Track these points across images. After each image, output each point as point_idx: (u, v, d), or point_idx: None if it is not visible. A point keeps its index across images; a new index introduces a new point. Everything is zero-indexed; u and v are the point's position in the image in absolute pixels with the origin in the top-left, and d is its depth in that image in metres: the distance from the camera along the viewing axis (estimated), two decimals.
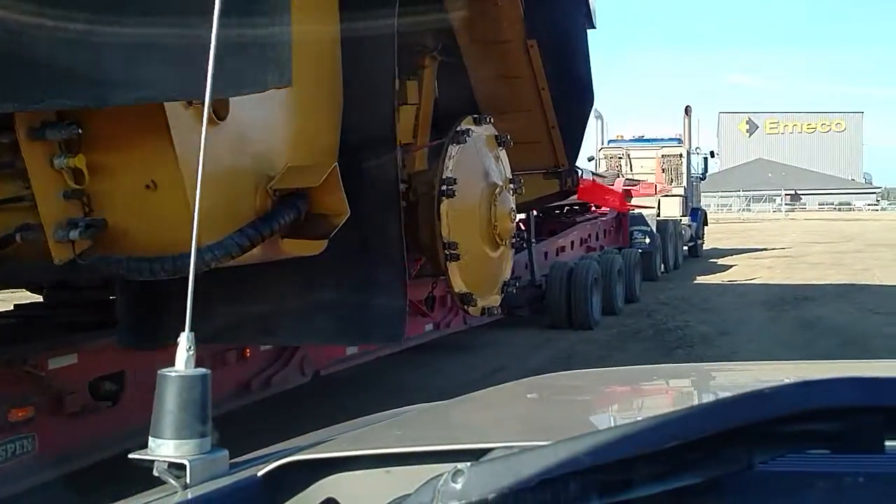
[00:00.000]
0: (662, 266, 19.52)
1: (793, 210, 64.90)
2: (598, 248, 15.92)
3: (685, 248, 22.87)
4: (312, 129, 3.88)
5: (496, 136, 6.08)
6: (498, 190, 5.81)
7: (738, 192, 68.77)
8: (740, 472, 1.01)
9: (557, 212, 16.12)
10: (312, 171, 3.57)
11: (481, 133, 5.86)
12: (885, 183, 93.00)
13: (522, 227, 11.42)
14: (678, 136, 24.44)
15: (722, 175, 73.12)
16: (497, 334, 10.68)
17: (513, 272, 11.53)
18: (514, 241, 6.24)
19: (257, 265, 3.74)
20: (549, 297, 11.85)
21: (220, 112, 3.22)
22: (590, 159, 24.64)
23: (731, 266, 21.44)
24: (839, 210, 66.51)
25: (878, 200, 77.74)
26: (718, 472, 1.00)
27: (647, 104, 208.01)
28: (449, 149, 5.44)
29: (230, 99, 3.25)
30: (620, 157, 23.41)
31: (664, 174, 23.08)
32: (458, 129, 5.57)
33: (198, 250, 3.23)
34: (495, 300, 6.06)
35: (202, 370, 1.39)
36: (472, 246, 5.57)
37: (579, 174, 9.10)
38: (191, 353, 1.40)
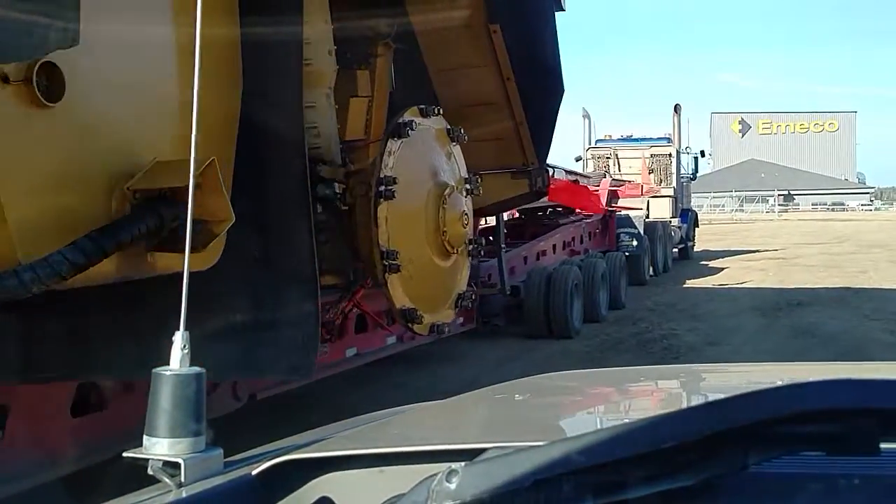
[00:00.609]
0: (651, 269, 18.93)
1: (786, 211, 64.54)
2: (583, 252, 15.23)
3: (675, 250, 22.27)
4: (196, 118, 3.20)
5: (448, 130, 5.37)
6: (448, 191, 5.09)
7: (730, 193, 68.36)
8: (734, 474, 1.01)
9: (540, 213, 15.46)
10: (182, 167, 2.87)
11: (429, 126, 5.15)
12: (878, 183, 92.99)
13: (503, 231, 10.78)
14: (668, 136, 23.93)
15: (715, 176, 73.02)
16: (470, 345, 10.02)
17: (489, 279, 10.99)
18: (471, 248, 5.53)
19: (135, 283, 3.06)
20: (526, 304, 11.17)
21: (50, 93, 2.53)
22: (577, 159, 24.21)
23: (723, 269, 20.81)
24: (833, 210, 66.19)
25: (871, 200, 77.59)
26: (712, 474, 1.00)
27: (638, 105, 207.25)
28: (388, 143, 4.73)
29: (66, 78, 2.57)
30: (608, 157, 22.91)
31: (653, 174, 22.51)
32: (400, 120, 4.86)
33: (15, 270, 2.58)
34: (447, 315, 5.35)
35: (196, 369, 1.39)
36: (417, 255, 4.87)
37: (551, 173, 8.38)
38: (185, 351, 1.40)
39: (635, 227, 18.00)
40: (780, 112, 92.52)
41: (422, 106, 5.13)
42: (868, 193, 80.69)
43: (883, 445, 0.96)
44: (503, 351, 10.17)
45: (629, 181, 19.90)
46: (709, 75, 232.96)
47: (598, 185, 18.10)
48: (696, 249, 24.78)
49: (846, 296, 14.95)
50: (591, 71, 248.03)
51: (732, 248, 27.03)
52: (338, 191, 4.79)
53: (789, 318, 12.73)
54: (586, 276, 12.34)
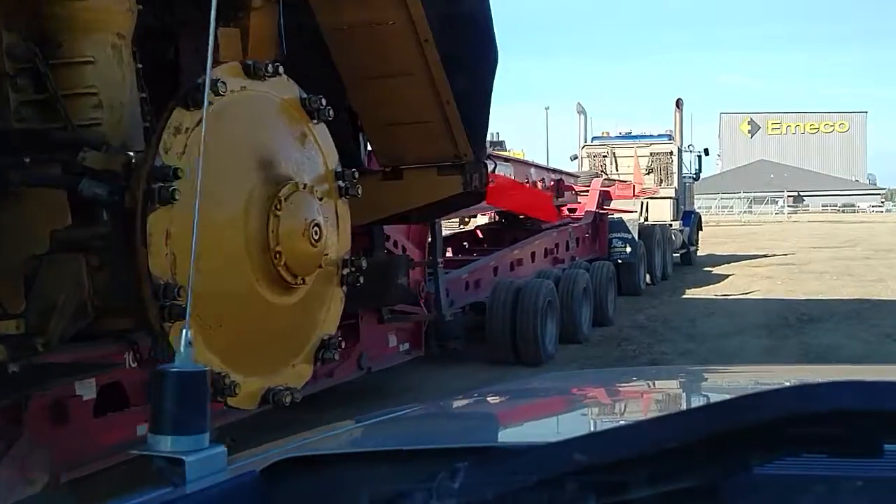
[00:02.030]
0: (648, 277, 17.22)
1: (795, 212, 62.86)
2: (569, 260, 13.53)
3: (676, 255, 20.52)
4: None
5: (303, 101, 3.63)
6: (285, 191, 3.33)
7: (739, 194, 66.65)
8: (738, 475, 1.01)
9: (521, 217, 13.74)
10: None
11: (263, 92, 3.41)
12: (889, 184, 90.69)
13: (439, 242, 8.92)
14: (668, 133, 22.28)
15: (723, 176, 71.61)
16: (419, 375, 8.47)
17: (448, 296, 9.25)
18: (346, 273, 3.84)
19: None
20: (489, 325, 9.49)
21: None
22: (572, 158, 22.72)
23: (727, 276, 19.08)
24: (843, 212, 64.48)
25: (882, 202, 75.82)
26: (716, 475, 1.00)
27: (639, 106, 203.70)
28: (173, 117, 3.00)
29: None
30: (605, 156, 21.32)
31: (653, 174, 20.83)
32: (199, 81, 3.12)
33: None
34: (299, 375, 3.56)
35: (201, 366, 1.35)
36: (231, 289, 3.18)
37: (491, 167, 6.66)
38: (189, 348, 1.35)
39: (629, 232, 16.22)
40: (790, 112, 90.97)
41: (249, 61, 3.39)
42: (879, 195, 78.95)
43: (886, 447, 0.95)
44: (460, 380, 8.44)
45: (619, 180, 18.21)
46: (713, 76, 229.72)
47: (589, 186, 16.50)
48: (700, 254, 23.02)
49: (862, 309, 13.28)
50: (591, 71, 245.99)
51: (739, 253, 25.24)
52: (113, 190, 3.12)
53: (799, 337, 11.13)
54: (564, 291, 10.66)
